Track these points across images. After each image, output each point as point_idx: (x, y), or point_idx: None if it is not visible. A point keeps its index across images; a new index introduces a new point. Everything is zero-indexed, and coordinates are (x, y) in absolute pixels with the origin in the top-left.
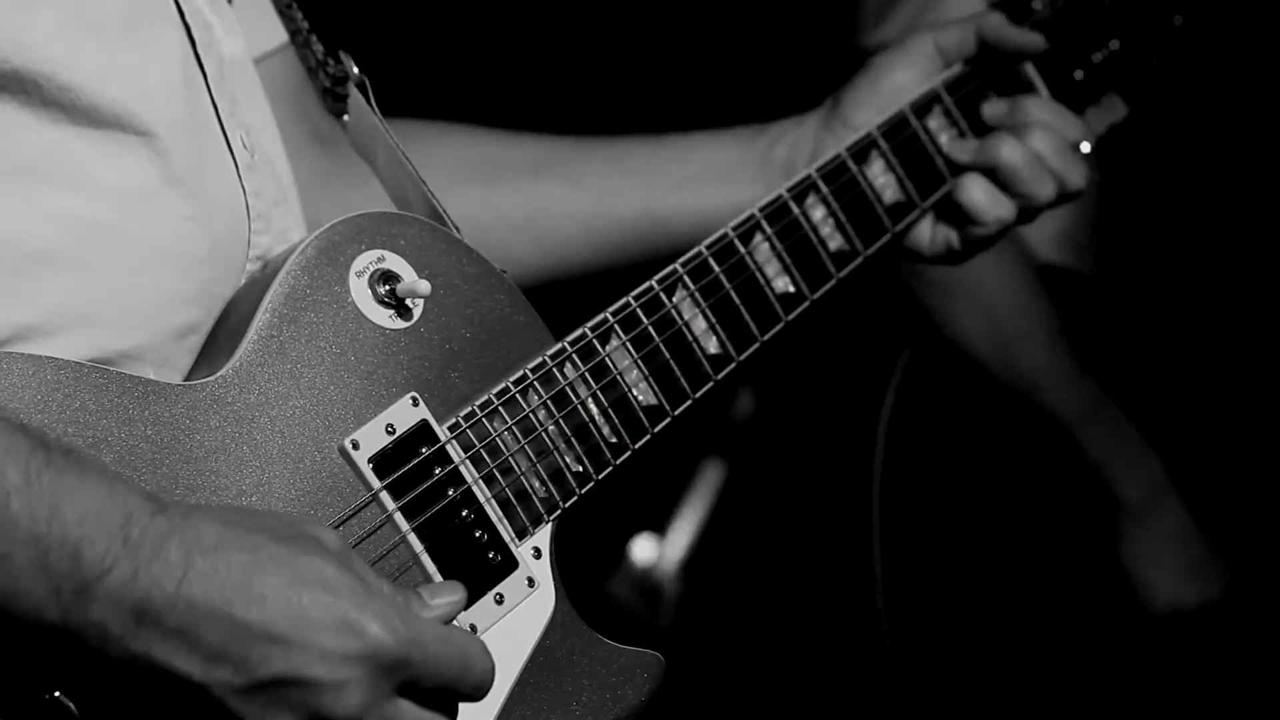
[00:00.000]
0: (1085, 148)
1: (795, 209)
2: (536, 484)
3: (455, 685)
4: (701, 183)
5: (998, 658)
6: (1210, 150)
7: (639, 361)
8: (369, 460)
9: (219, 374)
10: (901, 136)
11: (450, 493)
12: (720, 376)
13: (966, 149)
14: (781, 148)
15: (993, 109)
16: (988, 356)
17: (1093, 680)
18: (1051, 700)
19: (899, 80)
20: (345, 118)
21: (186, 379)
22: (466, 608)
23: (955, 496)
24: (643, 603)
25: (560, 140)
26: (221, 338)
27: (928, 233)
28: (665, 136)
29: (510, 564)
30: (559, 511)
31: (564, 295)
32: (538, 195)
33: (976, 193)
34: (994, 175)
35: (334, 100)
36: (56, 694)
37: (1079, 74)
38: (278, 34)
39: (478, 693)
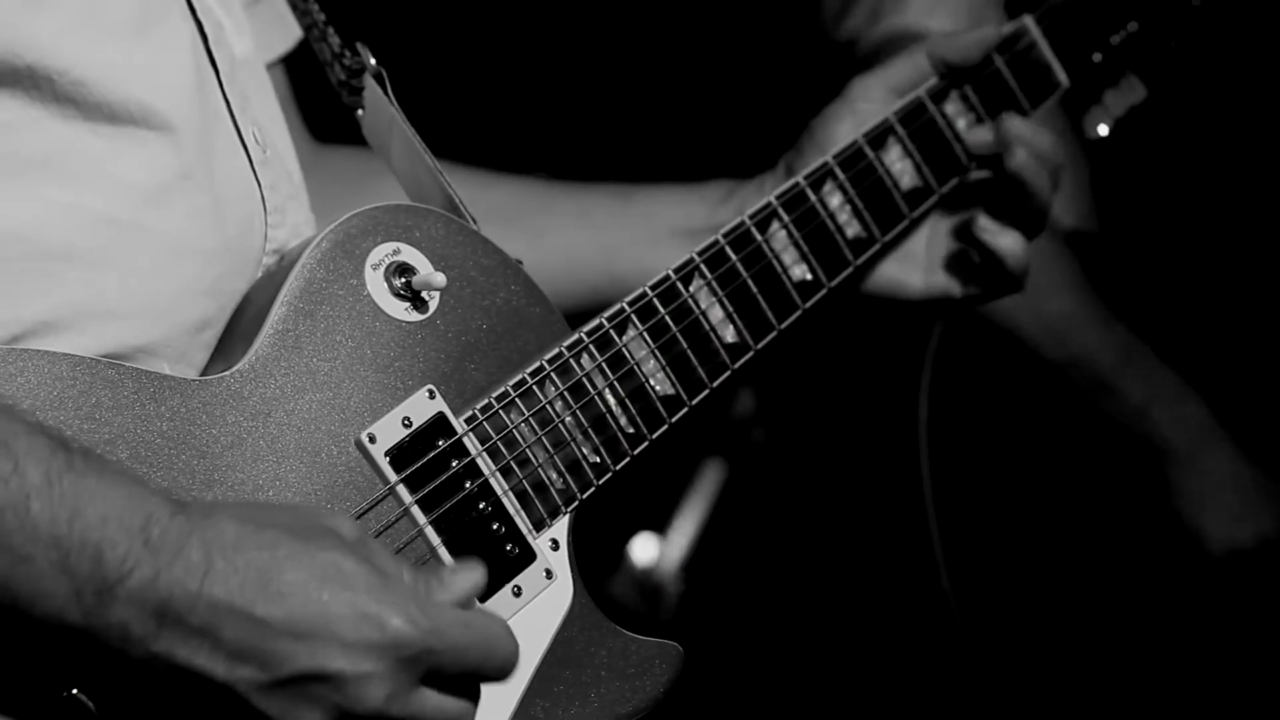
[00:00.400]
0: (1103, 130)
1: (812, 196)
2: (554, 475)
3: (479, 669)
4: (663, 244)
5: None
6: (1218, 127)
7: (656, 351)
8: (386, 453)
9: (235, 368)
10: (919, 122)
11: (467, 485)
12: (738, 365)
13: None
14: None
15: (977, 136)
16: (1019, 322)
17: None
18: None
19: (844, 135)
20: (360, 112)
21: (202, 374)
22: (484, 600)
23: (1004, 459)
24: (655, 601)
25: (530, 187)
26: (237, 332)
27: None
28: (634, 191)
29: (528, 556)
30: (576, 503)
31: None
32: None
33: (1006, 240)
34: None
35: (349, 93)
36: (74, 691)
37: (1097, 56)
38: (273, 49)
39: (503, 674)
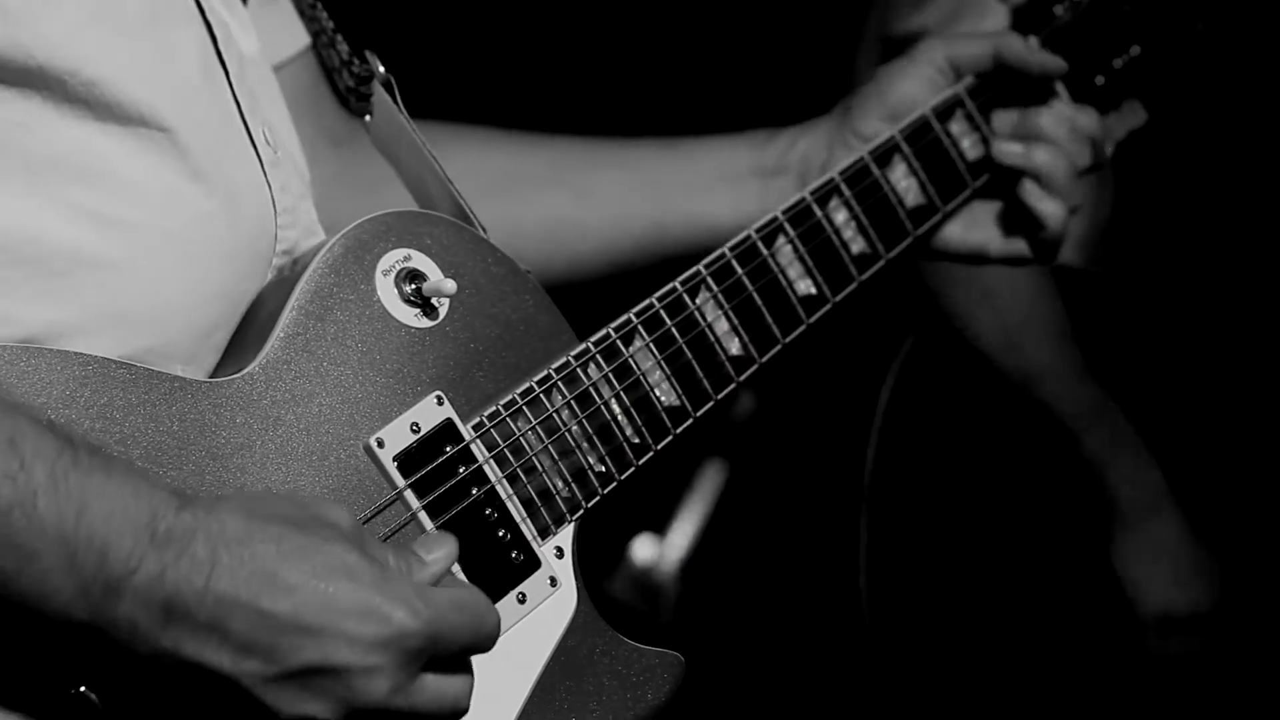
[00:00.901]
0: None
1: (818, 212)
2: (559, 483)
3: (472, 647)
4: (710, 191)
5: (981, 651)
6: (1219, 152)
7: (662, 362)
8: (394, 458)
9: (245, 371)
10: (924, 140)
11: (474, 491)
12: (743, 378)
13: (1013, 153)
14: (793, 156)
15: (1006, 119)
16: (994, 349)
17: (1074, 678)
18: (1034, 695)
19: (907, 90)
20: (368, 118)
21: (212, 376)
22: None
23: (946, 488)
24: (655, 601)
25: (573, 146)
26: (248, 335)
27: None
28: (677, 141)
29: (533, 563)
30: (581, 511)
31: (588, 295)
32: (549, 208)
33: (1046, 204)
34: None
35: (358, 100)
36: (82, 689)
37: (1100, 79)
38: (292, 42)
39: (490, 645)
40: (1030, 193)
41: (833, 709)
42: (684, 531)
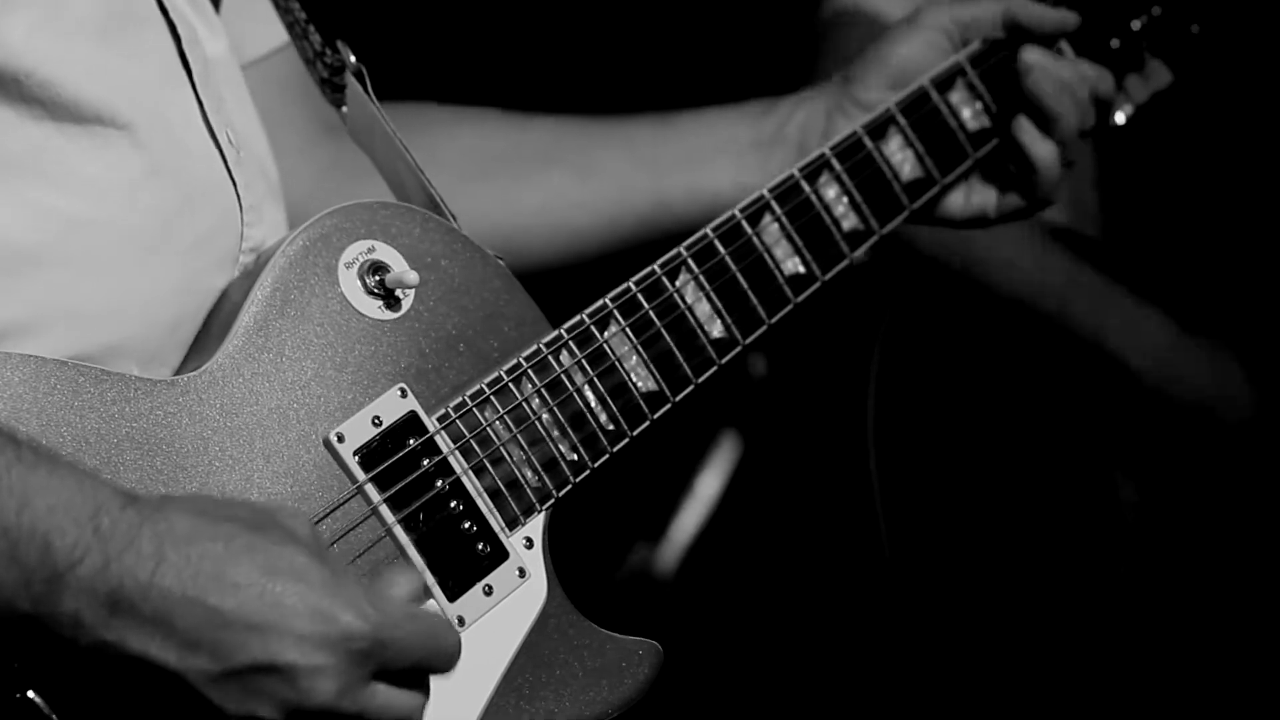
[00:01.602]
0: (1120, 118)
1: (807, 188)
2: (529, 473)
3: (426, 662)
4: (709, 164)
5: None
6: (1216, 116)
7: (639, 347)
8: (355, 452)
9: (204, 368)
10: (921, 112)
11: (439, 484)
12: (724, 361)
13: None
14: (792, 126)
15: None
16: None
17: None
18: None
19: (910, 56)
20: (343, 109)
21: (177, 372)
22: (454, 599)
23: (952, 457)
24: (642, 593)
25: (570, 124)
26: (213, 330)
27: (992, 200)
28: (675, 115)
29: (500, 555)
30: (552, 501)
31: (568, 282)
32: (549, 187)
33: (1041, 146)
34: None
35: (332, 91)
36: (29, 694)
37: (1115, 42)
38: (281, 32)
39: (449, 665)
40: (1025, 131)
41: (832, 707)
42: (679, 533)
